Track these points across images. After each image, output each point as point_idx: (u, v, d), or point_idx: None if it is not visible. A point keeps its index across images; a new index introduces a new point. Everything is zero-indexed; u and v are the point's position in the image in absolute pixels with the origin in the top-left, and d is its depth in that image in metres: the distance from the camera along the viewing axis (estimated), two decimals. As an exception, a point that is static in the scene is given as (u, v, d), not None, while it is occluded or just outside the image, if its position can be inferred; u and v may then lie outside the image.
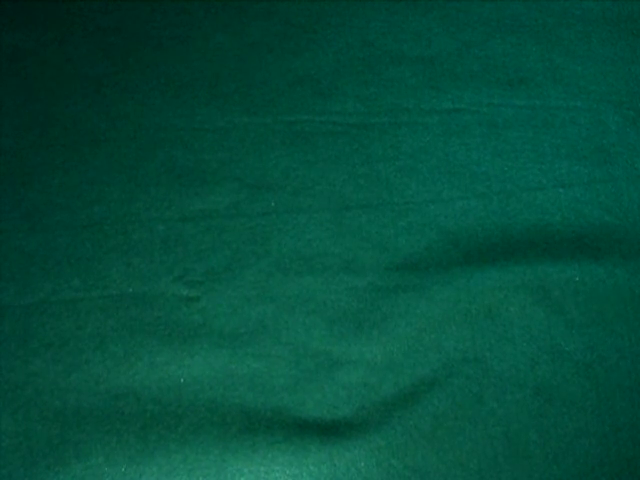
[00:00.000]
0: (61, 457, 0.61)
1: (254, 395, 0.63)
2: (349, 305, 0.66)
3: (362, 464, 0.62)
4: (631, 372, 0.65)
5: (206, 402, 0.62)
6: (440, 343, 0.65)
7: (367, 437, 0.62)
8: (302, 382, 0.64)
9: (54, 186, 0.68)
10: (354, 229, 0.69)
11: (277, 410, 0.63)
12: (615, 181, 0.71)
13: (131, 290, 0.65)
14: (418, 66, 0.74)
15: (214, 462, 0.61)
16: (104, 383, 0.63)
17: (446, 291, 0.67)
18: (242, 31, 0.74)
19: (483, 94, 0.73)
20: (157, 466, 0.61)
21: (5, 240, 0.66)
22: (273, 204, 0.69)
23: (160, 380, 0.63)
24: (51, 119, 0.70)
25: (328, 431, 0.62)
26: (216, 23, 0.74)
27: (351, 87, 0.73)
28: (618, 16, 0.76)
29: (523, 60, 0.74)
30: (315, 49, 0.74)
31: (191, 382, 0.63)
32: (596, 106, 0.73)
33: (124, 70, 0.72)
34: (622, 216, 0.70)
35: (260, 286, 0.66)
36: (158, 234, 0.67)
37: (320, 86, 0.73)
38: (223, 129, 0.71)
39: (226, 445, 0.61)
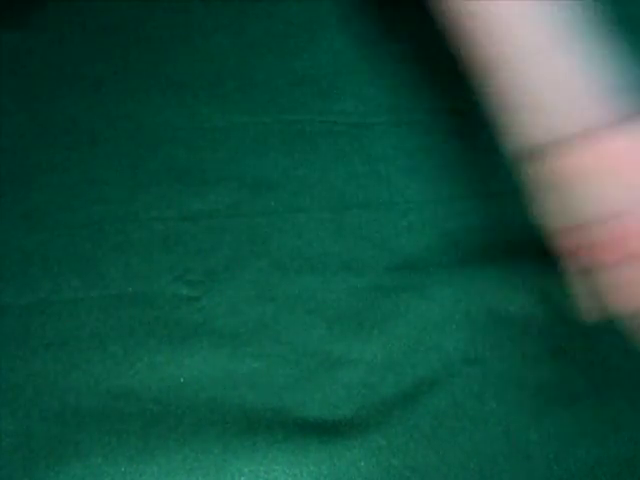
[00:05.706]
0: (61, 457, 0.60)
1: (254, 395, 0.63)
2: (349, 305, 0.66)
3: (362, 464, 0.61)
4: (631, 372, 0.65)
5: (206, 402, 0.62)
6: (440, 343, 0.65)
7: (367, 437, 0.62)
8: (302, 382, 0.64)
9: (54, 186, 0.68)
10: (354, 229, 0.69)
11: (277, 410, 0.63)
12: (615, 181, 0.71)
13: (131, 290, 0.65)
14: (418, 65, 0.74)
15: (214, 462, 0.61)
16: (104, 383, 0.63)
17: (446, 291, 0.67)
18: (242, 31, 0.74)
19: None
20: (157, 466, 0.61)
21: (5, 240, 0.66)
22: (273, 204, 0.69)
23: (160, 380, 0.63)
24: (51, 119, 0.70)
25: (328, 431, 0.62)
26: (216, 23, 0.74)
27: (351, 87, 0.73)
28: (618, 16, 0.76)
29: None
30: (315, 49, 0.74)
31: (191, 382, 0.63)
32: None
33: (124, 70, 0.72)
34: (622, 216, 0.70)
35: (260, 286, 0.66)
36: (158, 234, 0.67)
37: (320, 86, 0.73)
38: (223, 129, 0.71)
39: (226, 445, 0.61)
